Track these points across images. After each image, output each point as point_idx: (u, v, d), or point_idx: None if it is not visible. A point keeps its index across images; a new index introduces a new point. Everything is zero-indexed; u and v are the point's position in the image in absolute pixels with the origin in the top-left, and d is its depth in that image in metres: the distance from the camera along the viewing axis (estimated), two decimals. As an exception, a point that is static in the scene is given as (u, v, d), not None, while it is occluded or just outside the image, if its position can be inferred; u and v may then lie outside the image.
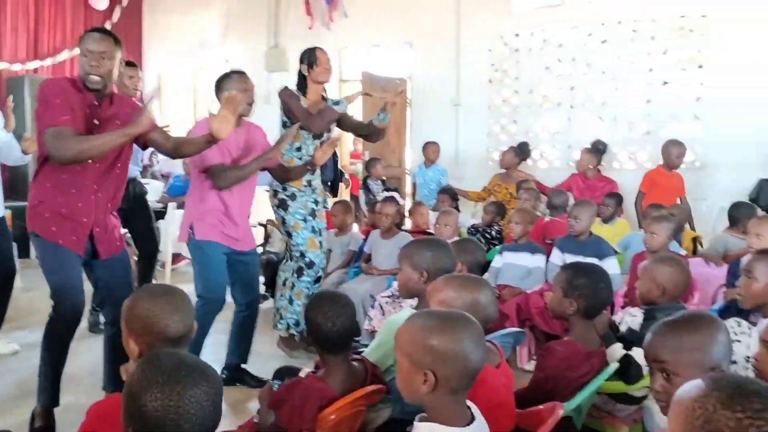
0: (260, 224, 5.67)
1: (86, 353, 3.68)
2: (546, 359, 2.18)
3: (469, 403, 1.54)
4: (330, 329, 2.03)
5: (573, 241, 4.07)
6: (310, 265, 4.05)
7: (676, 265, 2.64)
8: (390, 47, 7.95)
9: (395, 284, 4.20)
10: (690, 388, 1.12)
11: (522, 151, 6.48)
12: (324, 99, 4.12)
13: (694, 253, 4.77)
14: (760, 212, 4.81)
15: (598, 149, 6.13)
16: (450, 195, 6.02)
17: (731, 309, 3.51)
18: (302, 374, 2.24)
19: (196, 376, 1.25)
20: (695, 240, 5.11)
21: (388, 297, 4.01)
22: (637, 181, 6.21)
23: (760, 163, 5.55)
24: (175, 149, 2.96)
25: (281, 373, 2.51)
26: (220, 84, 3.39)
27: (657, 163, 6.37)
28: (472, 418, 1.51)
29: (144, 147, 3.02)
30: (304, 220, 4.04)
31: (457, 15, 7.24)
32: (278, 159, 3.64)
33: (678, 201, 5.58)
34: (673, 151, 5.53)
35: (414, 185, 6.77)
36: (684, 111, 6.23)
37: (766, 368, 1.86)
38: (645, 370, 2.42)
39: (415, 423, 1.52)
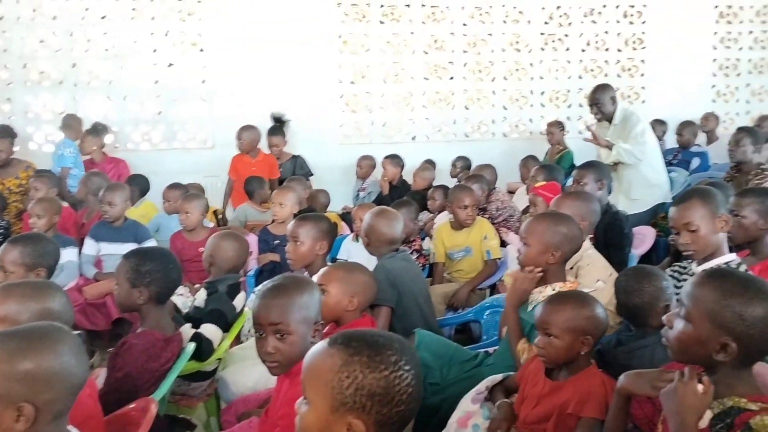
0: None
1: None
2: (123, 357, 2.03)
3: (69, 426, 1.33)
4: None
5: (108, 228, 3.84)
6: None
7: (237, 240, 2.80)
8: None
9: None
10: (321, 358, 1.12)
11: (8, 133, 5.63)
12: None
13: (218, 225, 5.08)
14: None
15: (97, 130, 5.85)
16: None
17: (265, 273, 3.96)
18: None
19: None
20: (215, 213, 5.44)
21: None
22: (153, 162, 6.20)
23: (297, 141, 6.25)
24: None
25: None
26: None
27: (172, 144, 6.53)
28: (77, 443, 1.31)
29: None
30: None
31: None
32: None
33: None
34: (244, 136, 5.74)
35: None
36: (191, 93, 6.48)
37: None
38: (214, 344, 2.50)
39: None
